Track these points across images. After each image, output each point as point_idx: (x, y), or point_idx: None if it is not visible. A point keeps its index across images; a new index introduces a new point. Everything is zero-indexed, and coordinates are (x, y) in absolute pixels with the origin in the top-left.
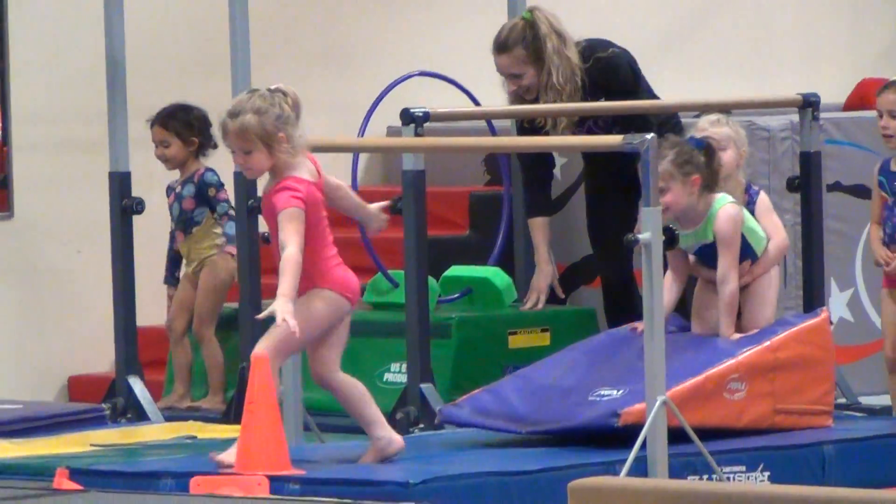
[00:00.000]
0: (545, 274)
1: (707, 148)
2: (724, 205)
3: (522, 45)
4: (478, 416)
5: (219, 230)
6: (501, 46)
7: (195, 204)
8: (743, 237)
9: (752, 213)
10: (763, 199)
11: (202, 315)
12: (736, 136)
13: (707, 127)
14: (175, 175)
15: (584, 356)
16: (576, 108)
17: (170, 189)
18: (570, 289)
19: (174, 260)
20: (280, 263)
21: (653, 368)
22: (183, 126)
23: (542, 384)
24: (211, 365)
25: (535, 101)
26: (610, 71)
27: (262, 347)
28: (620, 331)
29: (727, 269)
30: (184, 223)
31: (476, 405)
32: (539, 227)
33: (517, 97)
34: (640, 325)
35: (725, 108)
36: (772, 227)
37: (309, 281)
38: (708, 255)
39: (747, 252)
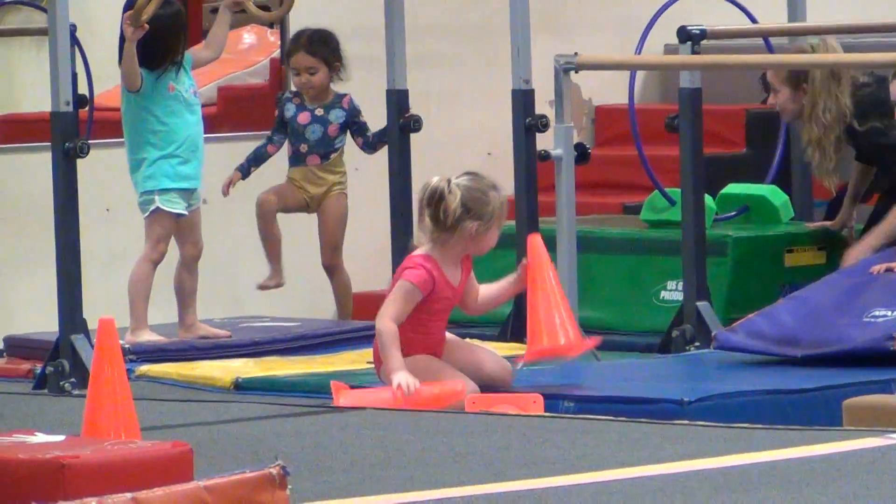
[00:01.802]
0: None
1: None
2: None
3: None
4: (752, 339)
5: (344, 159)
6: None
7: (339, 130)
8: None
9: None
10: None
11: (336, 244)
12: None
13: None
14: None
15: (858, 277)
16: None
17: (302, 109)
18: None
19: (261, 160)
20: None
21: None
22: (329, 51)
23: (816, 306)
24: (345, 294)
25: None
26: (874, 146)
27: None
28: (892, 253)
29: None
30: (324, 148)
31: (750, 329)
32: (858, 171)
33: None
34: (876, 269)
35: None
36: None
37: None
38: None
39: None
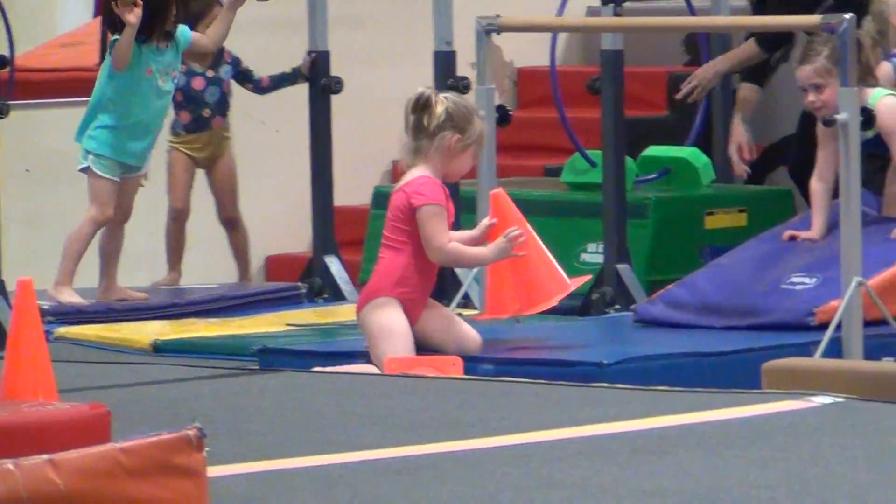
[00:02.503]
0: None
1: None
2: (882, 98)
3: None
4: (672, 310)
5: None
6: None
7: (230, 85)
8: None
9: None
10: None
11: (236, 196)
12: None
13: None
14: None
15: (776, 243)
16: None
17: (192, 74)
18: (769, 169)
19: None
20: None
21: (849, 250)
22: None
23: (735, 274)
24: (244, 246)
25: None
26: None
27: None
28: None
29: None
30: (224, 107)
31: (670, 300)
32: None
33: None
34: (800, 235)
35: None
36: None
37: None
38: (873, 148)
39: None
